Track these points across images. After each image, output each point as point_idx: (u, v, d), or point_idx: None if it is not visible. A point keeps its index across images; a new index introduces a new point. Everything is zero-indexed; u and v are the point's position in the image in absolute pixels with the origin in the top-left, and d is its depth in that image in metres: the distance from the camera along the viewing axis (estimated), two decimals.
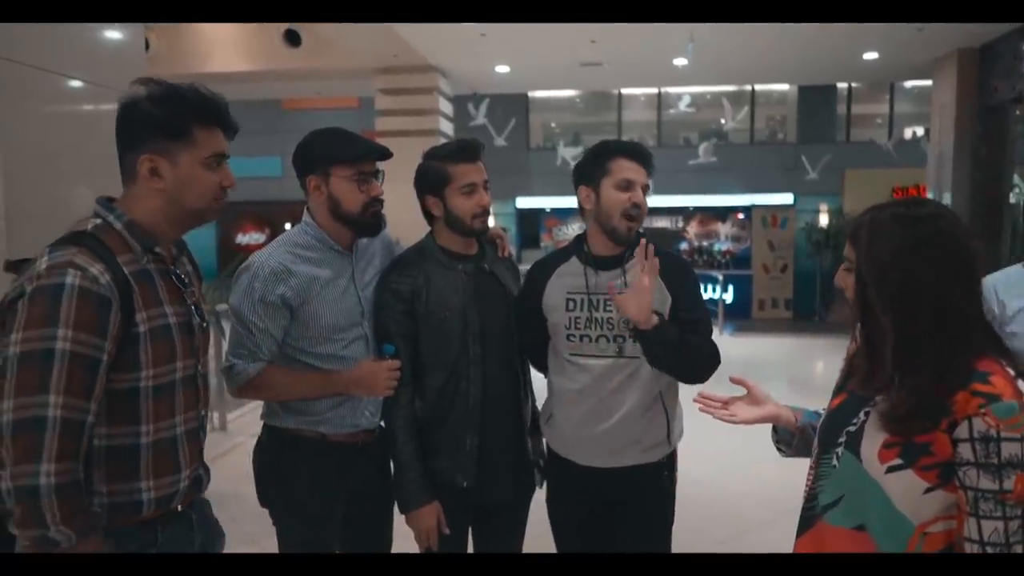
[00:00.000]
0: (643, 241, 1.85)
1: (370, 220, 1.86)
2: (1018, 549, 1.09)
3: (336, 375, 1.81)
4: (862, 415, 1.22)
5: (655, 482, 1.92)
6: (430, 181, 1.92)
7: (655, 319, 1.77)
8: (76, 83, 2.95)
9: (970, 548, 1.12)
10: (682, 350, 1.82)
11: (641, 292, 1.76)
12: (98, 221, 1.32)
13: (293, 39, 8.82)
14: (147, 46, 3.89)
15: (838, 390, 1.33)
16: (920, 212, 1.19)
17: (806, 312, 10.90)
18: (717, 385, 1.90)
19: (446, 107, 9.74)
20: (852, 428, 1.22)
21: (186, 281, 1.43)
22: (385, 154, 1.87)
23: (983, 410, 1.09)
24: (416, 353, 1.90)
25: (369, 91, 9.80)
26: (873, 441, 1.18)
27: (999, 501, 1.09)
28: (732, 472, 3.65)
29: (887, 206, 1.22)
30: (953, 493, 1.14)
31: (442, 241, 1.95)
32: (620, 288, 1.83)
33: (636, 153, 1.90)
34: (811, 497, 1.29)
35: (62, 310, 1.19)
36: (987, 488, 1.09)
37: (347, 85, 10.86)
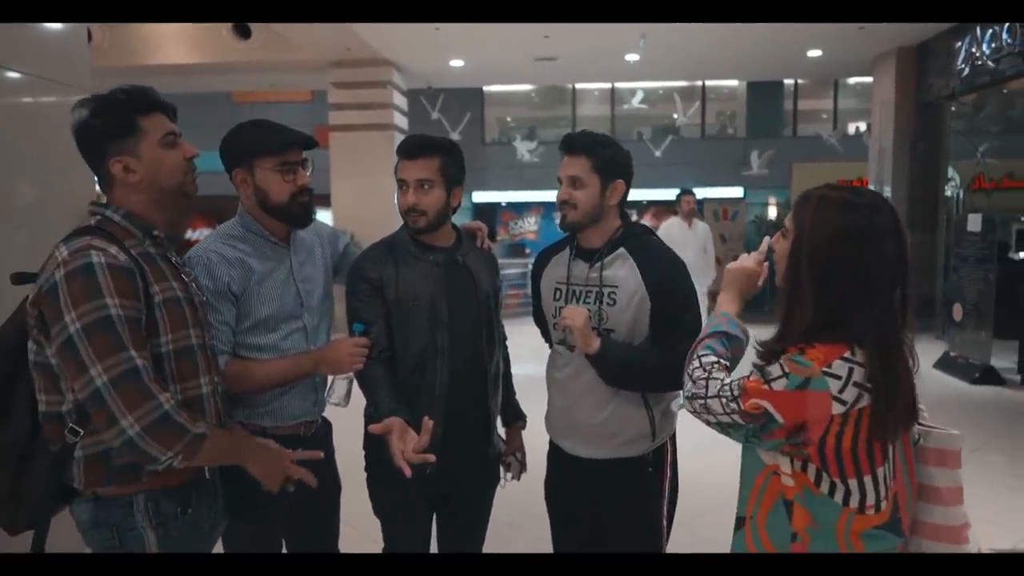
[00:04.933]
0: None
1: (298, 210, 1.84)
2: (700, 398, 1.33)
3: (304, 355, 1.82)
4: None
5: (637, 477, 1.90)
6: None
7: (595, 345, 1.79)
8: (15, 75, 2.85)
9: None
10: (630, 373, 1.82)
11: (578, 320, 1.78)
12: (98, 217, 1.46)
13: (243, 32, 8.65)
14: (89, 37, 3.77)
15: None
16: (861, 202, 1.30)
17: (757, 302, 11.20)
18: None
19: (400, 101, 9.67)
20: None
21: (181, 263, 1.57)
22: (309, 142, 1.86)
23: (787, 356, 1.27)
24: (390, 336, 1.90)
25: (322, 84, 9.67)
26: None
27: (743, 377, 1.31)
28: (687, 457, 3.74)
29: (837, 189, 1.34)
30: (796, 449, 1.28)
31: (411, 231, 1.94)
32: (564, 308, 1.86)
33: (566, 146, 1.88)
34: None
35: (101, 283, 1.33)
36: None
37: (300, 78, 10.69)
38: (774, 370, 1.27)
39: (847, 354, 1.25)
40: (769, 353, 1.31)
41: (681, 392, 1.43)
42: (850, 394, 1.24)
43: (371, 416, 1.83)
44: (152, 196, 1.48)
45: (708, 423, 1.36)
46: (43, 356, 1.39)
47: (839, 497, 1.28)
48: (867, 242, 1.27)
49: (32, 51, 2.96)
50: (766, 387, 1.27)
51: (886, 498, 1.29)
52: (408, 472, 1.65)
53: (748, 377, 1.31)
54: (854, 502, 1.28)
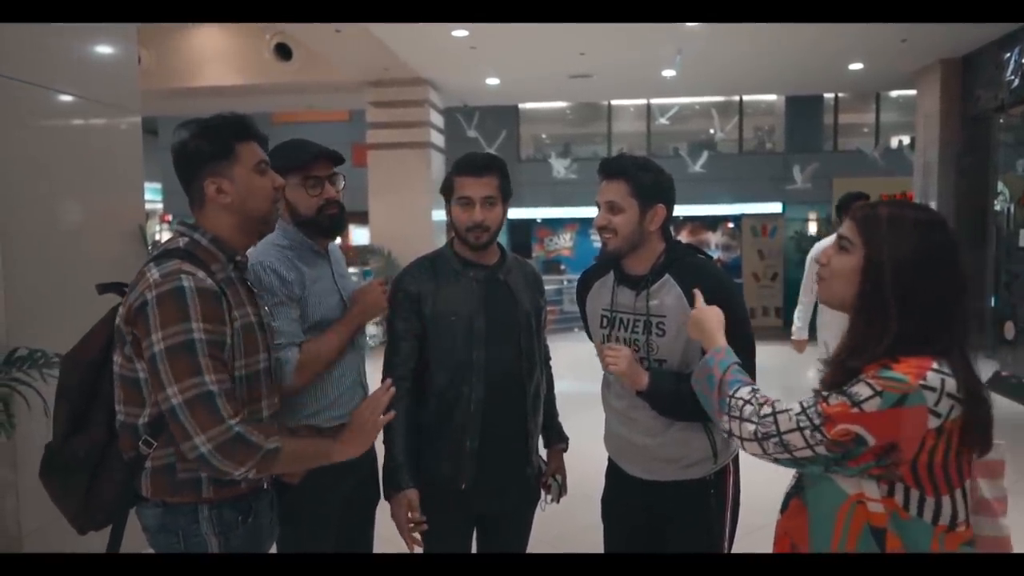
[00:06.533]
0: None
1: (326, 222, 1.92)
2: (787, 450, 1.25)
3: (347, 315, 1.92)
4: None
5: (699, 499, 1.86)
6: (443, 189, 1.98)
7: (643, 382, 1.77)
8: (67, 97, 2.96)
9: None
10: (683, 405, 1.74)
11: (621, 365, 1.77)
12: (186, 239, 1.52)
13: (284, 53, 8.87)
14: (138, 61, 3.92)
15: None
16: (935, 218, 1.31)
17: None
18: None
19: (437, 119, 9.79)
20: None
21: (256, 288, 1.65)
22: (333, 156, 1.93)
23: (873, 373, 1.21)
24: (421, 352, 1.93)
25: (360, 104, 9.84)
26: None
27: (816, 402, 1.24)
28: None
29: (901, 204, 1.35)
30: (886, 471, 1.23)
31: (457, 248, 1.97)
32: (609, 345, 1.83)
33: (603, 170, 1.86)
34: (798, 478, 1.40)
35: (190, 307, 1.39)
36: (816, 399, 1.25)
37: (338, 98, 10.89)
38: (861, 390, 1.20)
39: (935, 365, 1.22)
40: (843, 372, 1.25)
41: (731, 435, 1.34)
42: (944, 406, 1.21)
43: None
44: (239, 221, 1.55)
45: (777, 460, 1.28)
46: (130, 369, 1.45)
47: (929, 516, 1.23)
48: (951, 259, 1.26)
49: (85, 74, 3.06)
50: (855, 410, 1.20)
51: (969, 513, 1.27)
52: (420, 549, 1.77)
53: (824, 402, 1.24)
54: (945, 519, 1.23)
